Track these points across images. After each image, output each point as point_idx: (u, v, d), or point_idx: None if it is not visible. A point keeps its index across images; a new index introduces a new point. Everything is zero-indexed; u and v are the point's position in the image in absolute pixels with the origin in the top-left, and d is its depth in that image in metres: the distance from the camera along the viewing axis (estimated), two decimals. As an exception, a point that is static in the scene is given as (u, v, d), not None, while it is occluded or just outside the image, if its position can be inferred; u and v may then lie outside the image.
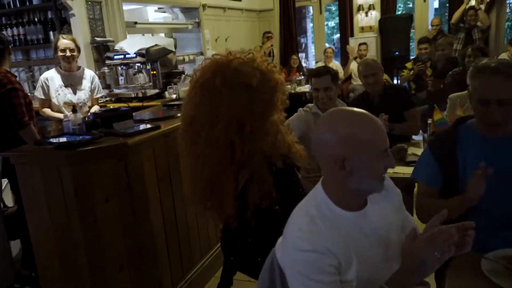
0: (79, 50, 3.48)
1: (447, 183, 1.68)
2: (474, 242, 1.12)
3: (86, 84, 3.55)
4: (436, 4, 9.32)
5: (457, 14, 6.49)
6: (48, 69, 4.78)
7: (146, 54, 3.82)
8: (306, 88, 6.81)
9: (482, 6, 6.68)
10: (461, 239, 1.09)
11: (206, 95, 1.52)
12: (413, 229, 1.21)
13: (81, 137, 2.18)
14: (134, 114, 3.09)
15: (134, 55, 3.86)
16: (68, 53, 3.37)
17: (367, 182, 1.17)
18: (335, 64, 7.43)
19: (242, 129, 1.51)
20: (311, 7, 8.66)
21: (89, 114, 3.08)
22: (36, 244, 2.28)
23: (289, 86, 7.08)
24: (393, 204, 1.31)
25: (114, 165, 2.16)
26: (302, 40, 9.73)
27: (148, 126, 2.42)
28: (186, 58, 5.90)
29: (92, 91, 3.58)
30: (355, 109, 1.20)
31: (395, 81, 7.30)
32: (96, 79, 3.63)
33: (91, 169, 2.13)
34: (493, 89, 1.58)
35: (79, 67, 3.57)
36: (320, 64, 7.44)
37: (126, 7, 5.06)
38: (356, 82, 7.15)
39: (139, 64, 3.94)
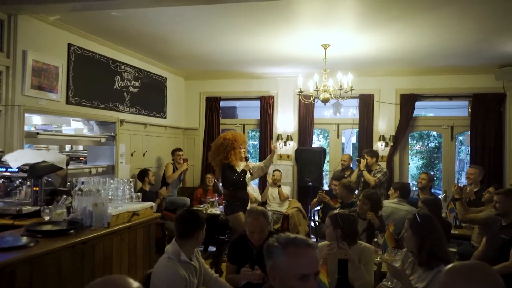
0: None
1: None
2: None
3: None
4: (354, 139, 10.02)
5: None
6: None
7: (29, 170, 3.68)
8: (218, 210, 6.65)
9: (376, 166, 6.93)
10: None
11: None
12: None
13: None
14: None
15: (17, 169, 3.71)
16: None
17: None
18: (253, 187, 7.49)
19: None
20: (236, 130, 9.00)
21: None
22: None
23: (201, 206, 6.89)
24: None
25: None
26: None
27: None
28: (94, 171, 5.77)
29: None
30: None
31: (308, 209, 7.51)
32: None
33: None
34: (310, 263, 1.64)
35: None
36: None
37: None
38: (271, 207, 7.23)
39: (21, 180, 3.78)
